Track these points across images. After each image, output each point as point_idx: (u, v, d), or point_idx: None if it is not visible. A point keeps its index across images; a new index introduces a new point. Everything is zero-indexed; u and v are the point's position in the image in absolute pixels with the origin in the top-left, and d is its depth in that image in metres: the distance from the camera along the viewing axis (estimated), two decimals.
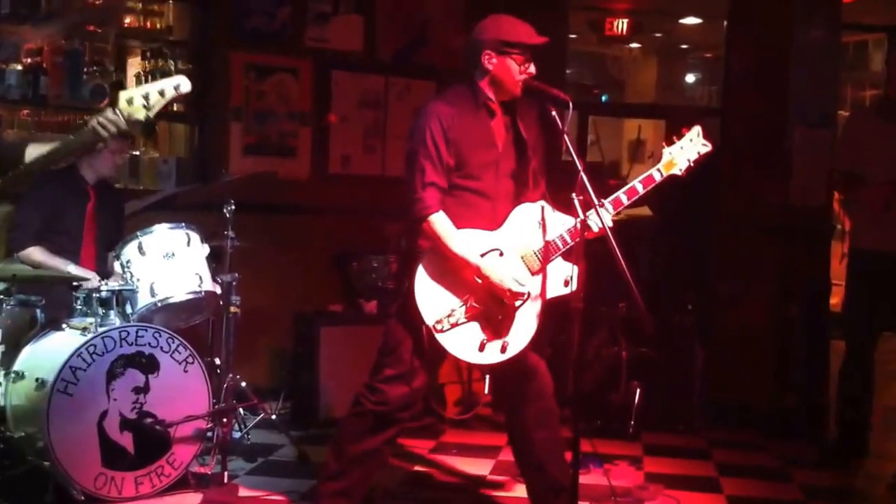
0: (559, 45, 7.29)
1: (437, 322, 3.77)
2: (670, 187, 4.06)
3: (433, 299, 3.79)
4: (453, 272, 3.81)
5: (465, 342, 3.81)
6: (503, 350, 3.84)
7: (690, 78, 10.81)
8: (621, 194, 3.92)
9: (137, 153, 6.20)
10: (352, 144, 6.86)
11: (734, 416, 6.33)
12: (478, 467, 5.13)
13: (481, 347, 3.82)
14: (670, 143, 4.00)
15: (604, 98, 9.88)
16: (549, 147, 4.16)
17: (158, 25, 6.34)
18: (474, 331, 3.83)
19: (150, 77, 6.20)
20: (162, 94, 3.05)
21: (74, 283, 4.61)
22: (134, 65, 6.34)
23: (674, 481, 5.01)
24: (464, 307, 3.81)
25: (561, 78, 7.26)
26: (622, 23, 8.01)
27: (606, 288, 4.54)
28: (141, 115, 3.04)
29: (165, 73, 6.18)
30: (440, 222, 3.78)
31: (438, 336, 3.78)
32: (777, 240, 6.87)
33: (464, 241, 3.80)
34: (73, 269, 4.72)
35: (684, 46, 10.27)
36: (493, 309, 3.83)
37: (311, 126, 6.71)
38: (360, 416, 3.95)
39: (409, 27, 7.05)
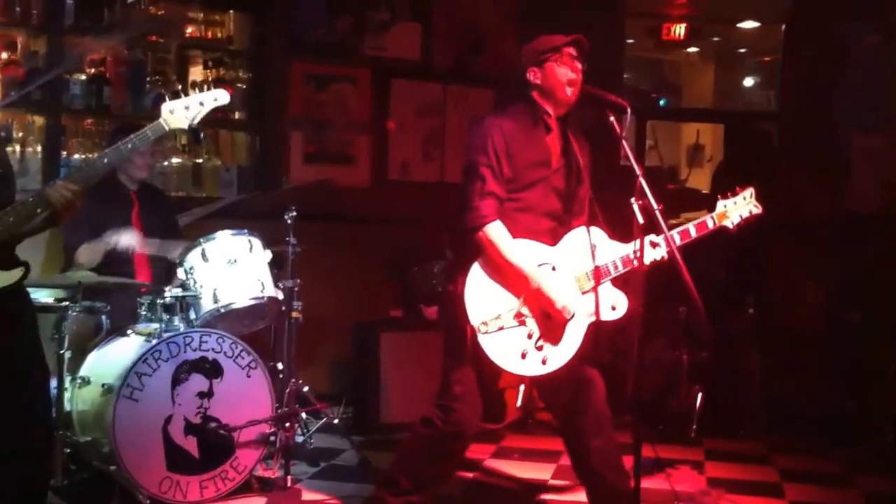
0: (616, 51, 7.29)
1: (483, 323, 3.78)
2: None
3: (482, 301, 3.81)
4: (505, 278, 3.83)
5: (507, 349, 3.81)
6: (543, 363, 3.84)
7: (748, 82, 10.68)
8: (675, 233, 3.96)
9: (200, 161, 6.29)
10: (410, 152, 6.90)
11: (794, 420, 6.24)
12: (539, 472, 5.11)
13: (523, 356, 3.82)
14: (725, 196, 4.13)
15: (662, 103, 9.81)
16: (608, 152, 4.17)
17: (219, 35, 6.43)
18: (519, 338, 3.83)
19: (210, 87, 6.27)
20: (201, 104, 3.32)
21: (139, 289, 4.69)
22: (195, 74, 6.42)
23: (736, 486, 4.96)
24: (513, 311, 3.82)
25: (618, 83, 7.28)
26: (679, 28, 7.97)
27: (666, 292, 4.52)
28: (184, 124, 3.30)
29: (227, 83, 6.31)
30: (497, 231, 3.80)
31: (481, 338, 3.77)
32: (833, 244, 6.78)
33: (521, 251, 3.82)
34: (113, 239, 4.77)
35: (742, 50, 10.16)
36: (541, 320, 3.85)
37: (370, 134, 6.75)
38: (433, 437, 3.96)
39: (464, 35, 7.08)
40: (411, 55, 6.88)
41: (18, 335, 3.21)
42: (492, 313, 3.80)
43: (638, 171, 3.64)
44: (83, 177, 3.20)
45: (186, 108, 3.31)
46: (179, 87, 6.11)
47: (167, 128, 3.30)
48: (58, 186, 3.13)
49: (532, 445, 5.60)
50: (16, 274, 3.13)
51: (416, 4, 6.94)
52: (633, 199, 3.64)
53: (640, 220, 3.63)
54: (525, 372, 3.88)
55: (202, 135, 3.52)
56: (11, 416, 3.15)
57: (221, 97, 3.38)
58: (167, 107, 3.31)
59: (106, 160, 3.31)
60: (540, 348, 3.84)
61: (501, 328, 3.80)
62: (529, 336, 3.84)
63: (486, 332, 3.78)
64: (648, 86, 10.32)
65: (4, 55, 5.71)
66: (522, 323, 3.84)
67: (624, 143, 3.76)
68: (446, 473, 4.15)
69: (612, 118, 3.81)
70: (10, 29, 5.75)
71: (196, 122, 3.33)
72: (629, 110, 3.76)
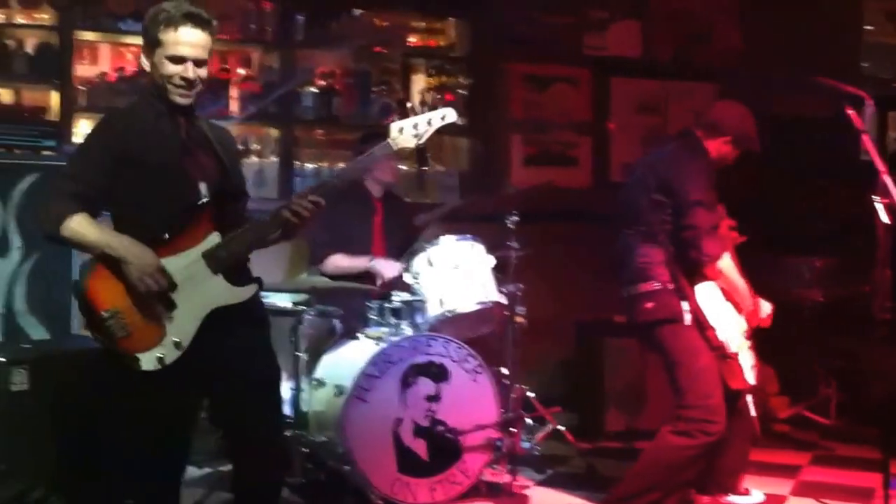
0: (853, 38, 6.96)
1: (733, 348, 4.06)
2: None
3: (721, 322, 4.07)
4: (732, 301, 4.13)
5: (747, 366, 4.15)
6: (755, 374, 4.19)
7: None
8: None
9: (425, 168, 6.40)
10: (632, 151, 6.78)
11: None
12: (776, 487, 4.87)
13: (751, 370, 4.17)
14: None
15: None
16: (846, 148, 4.06)
17: (441, 42, 6.54)
18: (748, 353, 4.18)
19: (432, 94, 6.41)
20: (430, 123, 3.30)
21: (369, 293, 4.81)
22: (418, 82, 6.55)
23: None
24: (744, 330, 4.14)
25: (856, 73, 6.95)
26: None
27: None
28: (411, 144, 3.30)
29: (448, 89, 6.40)
30: (730, 261, 4.05)
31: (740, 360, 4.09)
32: None
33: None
34: (376, 264, 4.91)
35: None
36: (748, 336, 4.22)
37: (592, 134, 6.69)
38: (693, 447, 4.04)
39: (684, 27, 6.91)
40: (631, 52, 6.77)
41: (252, 344, 3.30)
42: (734, 333, 4.09)
43: (880, 168, 3.49)
44: (320, 192, 3.25)
45: (415, 126, 3.30)
46: (402, 97, 6.34)
47: (395, 147, 3.30)
48: (297, 201, 3.19)
49: (769, 459, 5.32)
50: (248, 291, 3.24)
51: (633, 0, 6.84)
52: (875, 197, 3.50)
53: (885, 219, 3.47)
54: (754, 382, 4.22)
55: (428, 154, 3.53)
56: (246, 421, 3.24)
57: (449, 115, 3.35)
58: (396, 126, 3.31)
59: (337, 179, 3.42)
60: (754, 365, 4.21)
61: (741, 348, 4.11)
62: (751, 349, 4.21)
63: (736, 355, 4.08)
64: (890, 74, 9.74)
65: (242, 72, 6.02)
66: (747, 338, 4.18)
67: (864, 137, 3.61)
68: (689, 481, 4.19)
69: (850, 111, 3.67)
70: (246, 45, 6.06)
71: (423, 141, 3.31)
72: (869, 102, 3.59)
